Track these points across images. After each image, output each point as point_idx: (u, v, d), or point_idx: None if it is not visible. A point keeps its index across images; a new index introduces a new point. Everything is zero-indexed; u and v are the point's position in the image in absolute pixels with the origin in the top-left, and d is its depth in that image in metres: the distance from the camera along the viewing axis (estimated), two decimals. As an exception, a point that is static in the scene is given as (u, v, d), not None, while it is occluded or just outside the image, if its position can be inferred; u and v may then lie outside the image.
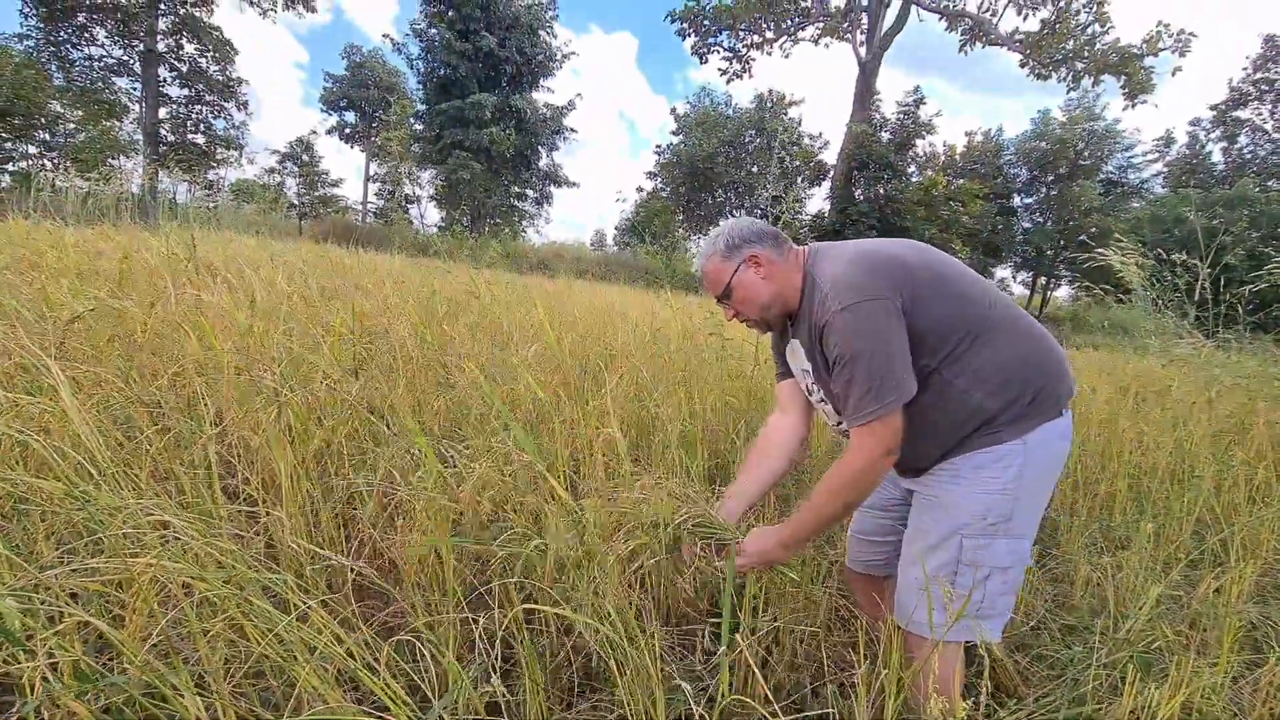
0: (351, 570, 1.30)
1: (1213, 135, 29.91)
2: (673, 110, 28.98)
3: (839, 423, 1.44)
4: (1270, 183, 25.45)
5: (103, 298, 2.17)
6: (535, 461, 1.36)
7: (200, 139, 22.17)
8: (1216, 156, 29.74)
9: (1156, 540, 2.18)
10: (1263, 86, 28.43)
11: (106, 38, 19.99)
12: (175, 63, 21.10)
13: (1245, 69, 28.95)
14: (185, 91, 21.75)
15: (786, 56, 24.39)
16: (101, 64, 20.20)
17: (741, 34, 23.23)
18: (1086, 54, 19.89)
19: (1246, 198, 17.92)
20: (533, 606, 1.19)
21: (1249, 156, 29.06)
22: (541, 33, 26.04)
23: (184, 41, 21.07)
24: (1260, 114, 28.89)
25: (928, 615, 1.27)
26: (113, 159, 18.50)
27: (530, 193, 28.32)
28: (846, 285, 1.25)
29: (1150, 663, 1.55)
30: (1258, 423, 3.06)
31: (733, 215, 28.37)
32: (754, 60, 23.78)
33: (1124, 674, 1.41)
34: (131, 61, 20.49)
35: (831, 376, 1.29)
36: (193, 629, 0.97)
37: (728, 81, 24.32)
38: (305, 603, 1.01)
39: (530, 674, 1.19)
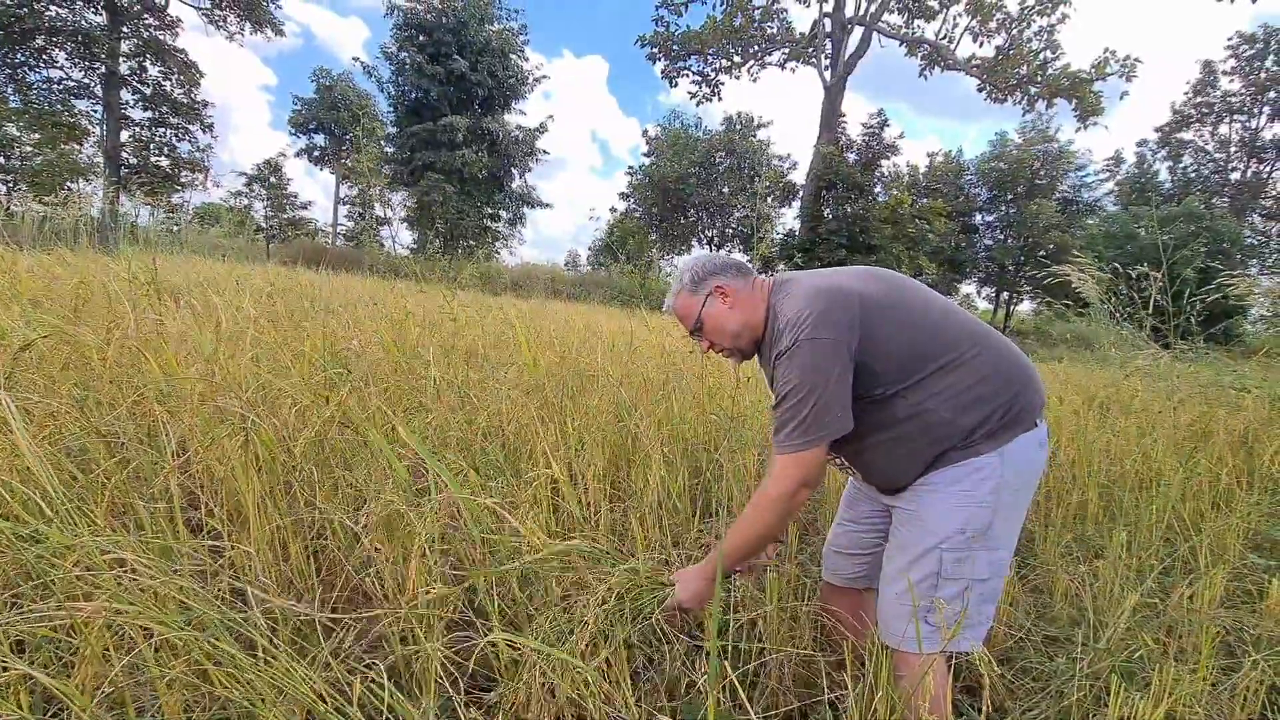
0: (326, 605, 1.25)
1: (1159, 155, 31.35)
2: (644, 132, 29.38)
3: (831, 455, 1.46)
4: (1214, 200, 26.69)
5: (58, 324, 2.08)
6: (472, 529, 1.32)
7: (164, 162, 21.73)
8: (1163, 175, 31.14)
9: (1129, 548, 2.22)
10: (1202, 109, 29.96)
11: (66, 59, 19.56)
12: (138, 85, 20.73)
13: (1186, 93, 30.51)
14: (148, 114, 21.35)
15: (754, 80, 24.96)
16: (61, 86, 19.73)
17: (710, 58, 23.73)
18: (1040, 78, 20.76)
19: (1194, 214, 18.74)
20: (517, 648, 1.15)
21: (1193, 175, 30.49)
22: (513, 56, 26.24)
23: (147, 64, 20.74)
24: (1201, 135, 30.40)
25: (909, 630, 1.27)
26: (72, 183, 18.02)
27: (504, 214, 28.31)
28: (801, 321, 1.28)
29: (1133, 672, 1.56)
30: (1218, 430, 3.16)
31: (705, 235, 28.71)
32: (723, 84, 24.29)
33: (1108, 684, 1.41)
34: (92, 84, 20.06)
35: (776, 394, 1.32)
36: (151, 675, 0.91)
37: (697, 104, 24.79)
38: (273, 642, 0.96)
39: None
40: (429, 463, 1.26)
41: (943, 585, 1.28)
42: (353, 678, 1.07)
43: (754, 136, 28.26)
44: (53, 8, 18.36)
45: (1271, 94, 27.85)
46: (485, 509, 1.33)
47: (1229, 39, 28.55)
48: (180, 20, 20.72)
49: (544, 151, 28.12)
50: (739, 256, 1.54)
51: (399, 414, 2.15)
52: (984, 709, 0.98)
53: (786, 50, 23.49)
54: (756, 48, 23.50)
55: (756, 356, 1.51)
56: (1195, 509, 2.53)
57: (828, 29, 22.23)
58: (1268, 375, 4.16)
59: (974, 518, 1.28)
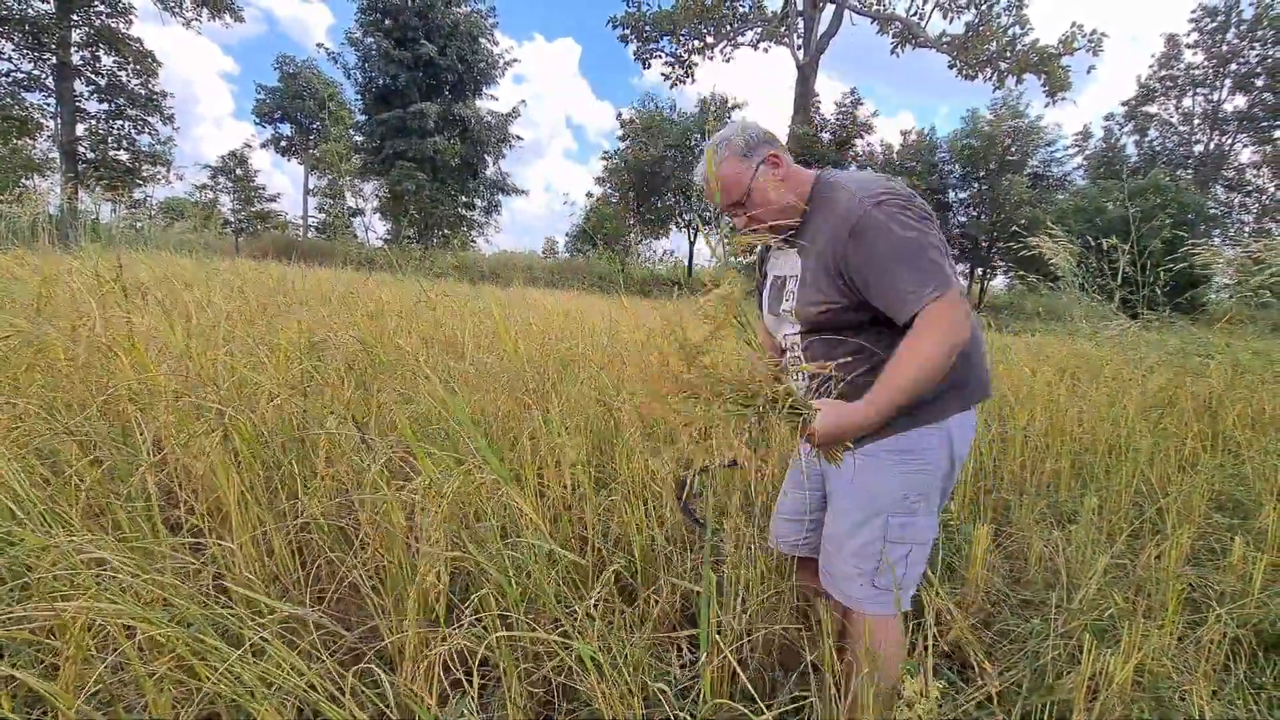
0: (318, 598, 1.24)
1: (1126, 129, 31.86)
2: (619, 116, 29.09)
3: (794, 333, 1.42)
4: (1179, 172, 27.25)
5: (20, 325, 2.02)
6: (503, 479, 1.32)
7: (123, 155, 21.01)
8: (1130, 149, 31.68)
9: (1100, 513, 2.29)
10: (1167, 83, 30.45)
11: (14, 51, 18.75)
12: (92, 76, 19.96)
13: (1151, 67, 30.97)
14: (104, 106, 20.60)
15: (728, 61, 24.84)
16: (9, 79, 18.93)
17: (682, 39, 23.52)
18: (1009, 54, 20.91)
19: (1160, 187, 19.11)
20: (514, 634, 1.16)
21: (1159, 149, 31.06)
22: (482, 40, 25.74)
23: (101, 54, 19.96)
24: (1166, 109, 30.94)
25: (858, 591, 1.32)
26: (26, 179, 17.39)
27: (478, 202, 27.93)
28: (882, 185, 1.23)
29: (1104, 630, 1.62)
30: (1183, 396, 3.26)
31: (682, 219, 28.62)
32: (696, 65, 24.10)
33: (1081, 642, 1.46)
34: (43, 75, 19.27)
35: (871, 274, 1.21)
36: (136, 673, 0.90)
37: (671, 86, 24.65)
38: (261, 636, 0.95)
39: (510, 695, 1.15)
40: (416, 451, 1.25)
41: (888, 548, 1.31)
42: (344, 669, 1.07)
43: (729, 118, 28.15)
44: (-6, -5, 17.57)
45: (1233, 66, 28.39)
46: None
47: (1192, 11, 29.01)
48: (133, 7, 19.94)
49: (517, 137, 27.75)
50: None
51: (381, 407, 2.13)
52: (983, 670, 1.01)
53: (759, 29, 23.35)
54: (729, 27, 23.32)
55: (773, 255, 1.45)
56: (1162, 473, 2.61)
57: (799, 7, 22.13)
58: (1231, 342, 4.30)
59: (917, 484, 1.30)
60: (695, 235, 28.23)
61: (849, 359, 1.30)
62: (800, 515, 1.60)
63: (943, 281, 1.15)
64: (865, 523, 1.32)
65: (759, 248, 1.56)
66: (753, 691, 1.18)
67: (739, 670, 1.09)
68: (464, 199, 26.83)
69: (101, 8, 19.41)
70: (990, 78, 21.71)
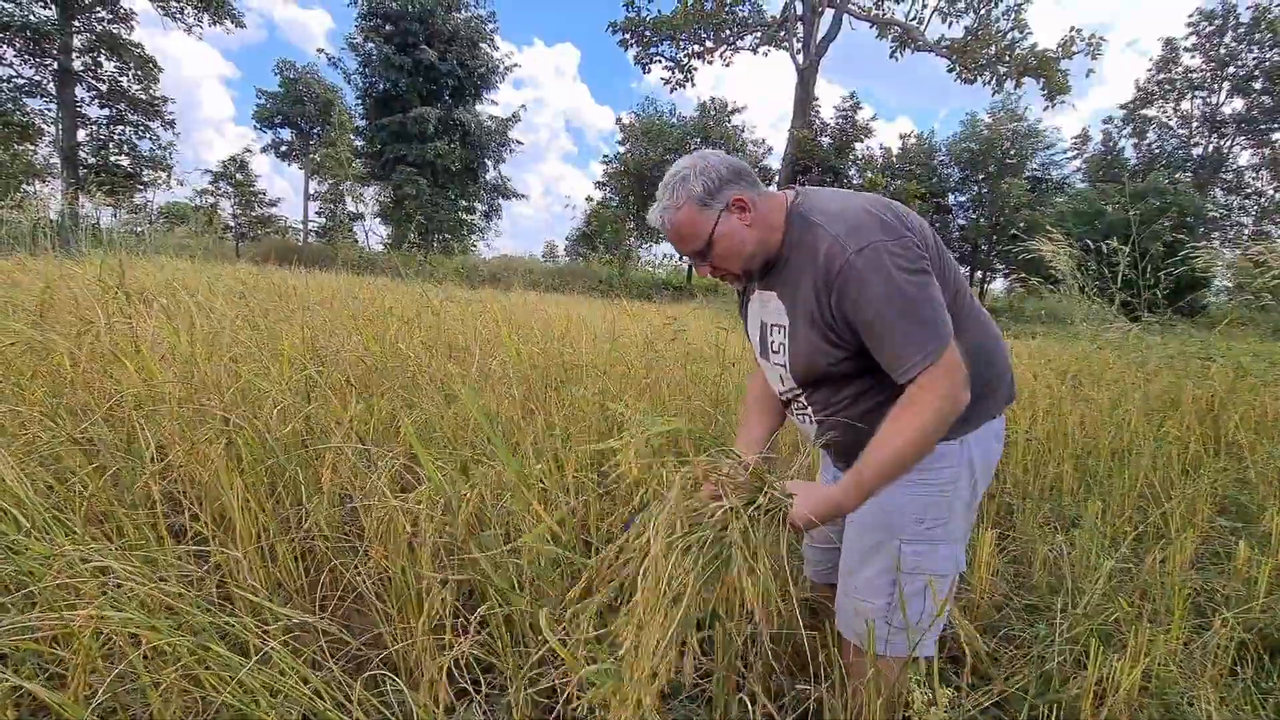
0: (320, 605, 1.24)
1: (1124, 132, 31.98)
2: (619, 120, 29.17)
3: (791, 389, 1.30)
4: (1177, 175, 27.30)
5: (23, 331, 2.02)
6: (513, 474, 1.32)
7: (124, 160, 21.09)
8: (1130, 152, 31.78)
9: (1104, 517, 2.29)
10: (1165, 86, 30.56)
11: (15, 56, 18.82)
12: (93, 82, 20.05)
13: (1149, 70, 31.11)
14: (106, 111, 20.69)
15: (727, 65, 24.90)
16: (10, 84, 19.00)
17: (682, 44, 23.61)
18: (1008, 58, 20.98)
19: (1159, 189, 19.14)
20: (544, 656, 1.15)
21: (1157, 151, 31.14)
22: (482, 45, 25.88)
23: (102, 59, 20.06)
24: (1165, 111, 31.05)
25: (865, 627, 1.18)
26: (27, 184, 17.45)
27: (479, 206, 28.01)
28: (864, 221, 1.10)
29: (1110, 635, 1.61)
30: (1185, 399, 3.26)
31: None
32: (696, 69, 24.18)
33: (1087, 647, 1.46)
34: (45, 81, 19.35)
35: (860, 329, 1.11)
36: (142, 682, 0.90)
37: (671, 90, 24.69)
38: (265, 644, 0.95)
39: (517, 704, 1.15)
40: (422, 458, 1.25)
41: (903, 580, 1.20)
42: (349, 677, 1.06)
43: (728, 122, 28.23)
44: (-2, 1, 17.65)
45: (1231, 69, 28.49)
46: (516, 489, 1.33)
47: (1189, 16, 29.15)
48: (135, 13, 20.05)
49: (517, 141, 27.88)
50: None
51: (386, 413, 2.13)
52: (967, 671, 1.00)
53: (759, 34, 23.43)
54: (728, 32, 23.40)
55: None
56: (1165, 477, 2.60)
57: (799, 12, 22.20)
58: (1231, 345, 4.30)
59: (933, 506, 1.20)
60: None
61: (857, 394, 1.21)
62: (823, 541, 1.52)
63: (936, 343, 1.05)
64: (874, 550, 1.22)
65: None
66: (765, 699, 1.18)
67: (745, 672, 1.08)
68: (464, 203, 26.93)
69: (103, 13, 19.51)
70: (989, 81, 21.78)
